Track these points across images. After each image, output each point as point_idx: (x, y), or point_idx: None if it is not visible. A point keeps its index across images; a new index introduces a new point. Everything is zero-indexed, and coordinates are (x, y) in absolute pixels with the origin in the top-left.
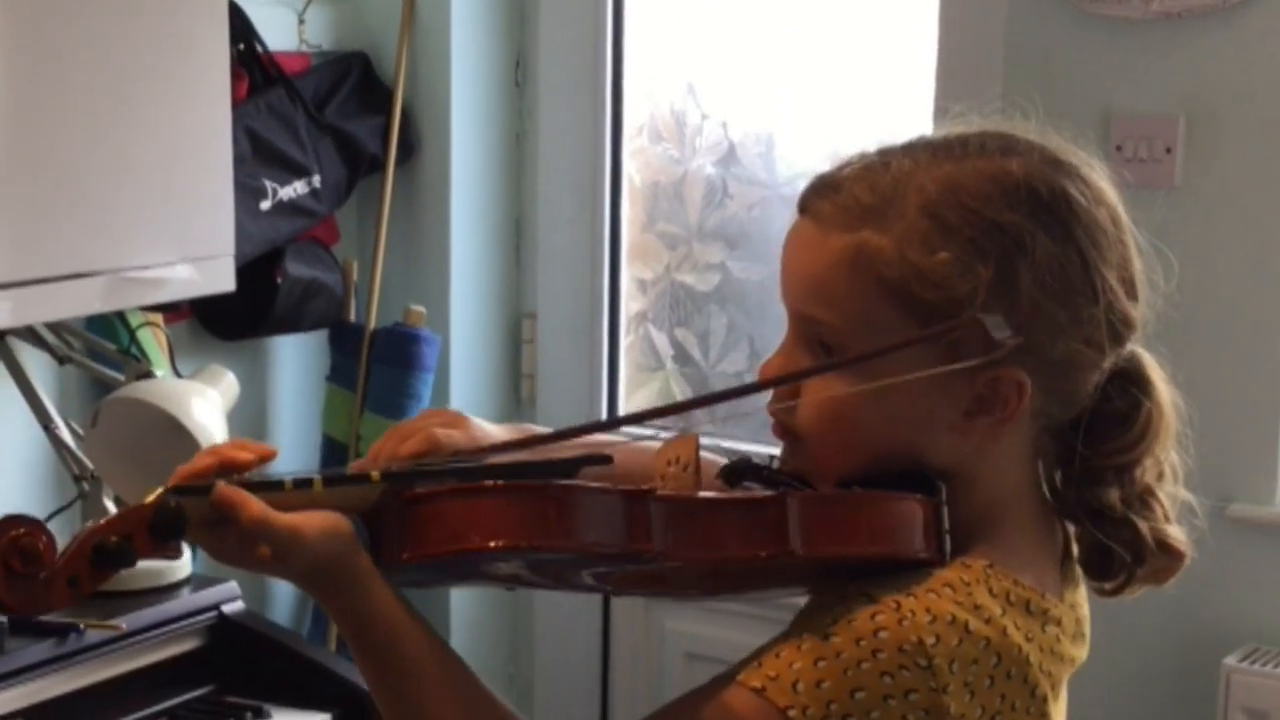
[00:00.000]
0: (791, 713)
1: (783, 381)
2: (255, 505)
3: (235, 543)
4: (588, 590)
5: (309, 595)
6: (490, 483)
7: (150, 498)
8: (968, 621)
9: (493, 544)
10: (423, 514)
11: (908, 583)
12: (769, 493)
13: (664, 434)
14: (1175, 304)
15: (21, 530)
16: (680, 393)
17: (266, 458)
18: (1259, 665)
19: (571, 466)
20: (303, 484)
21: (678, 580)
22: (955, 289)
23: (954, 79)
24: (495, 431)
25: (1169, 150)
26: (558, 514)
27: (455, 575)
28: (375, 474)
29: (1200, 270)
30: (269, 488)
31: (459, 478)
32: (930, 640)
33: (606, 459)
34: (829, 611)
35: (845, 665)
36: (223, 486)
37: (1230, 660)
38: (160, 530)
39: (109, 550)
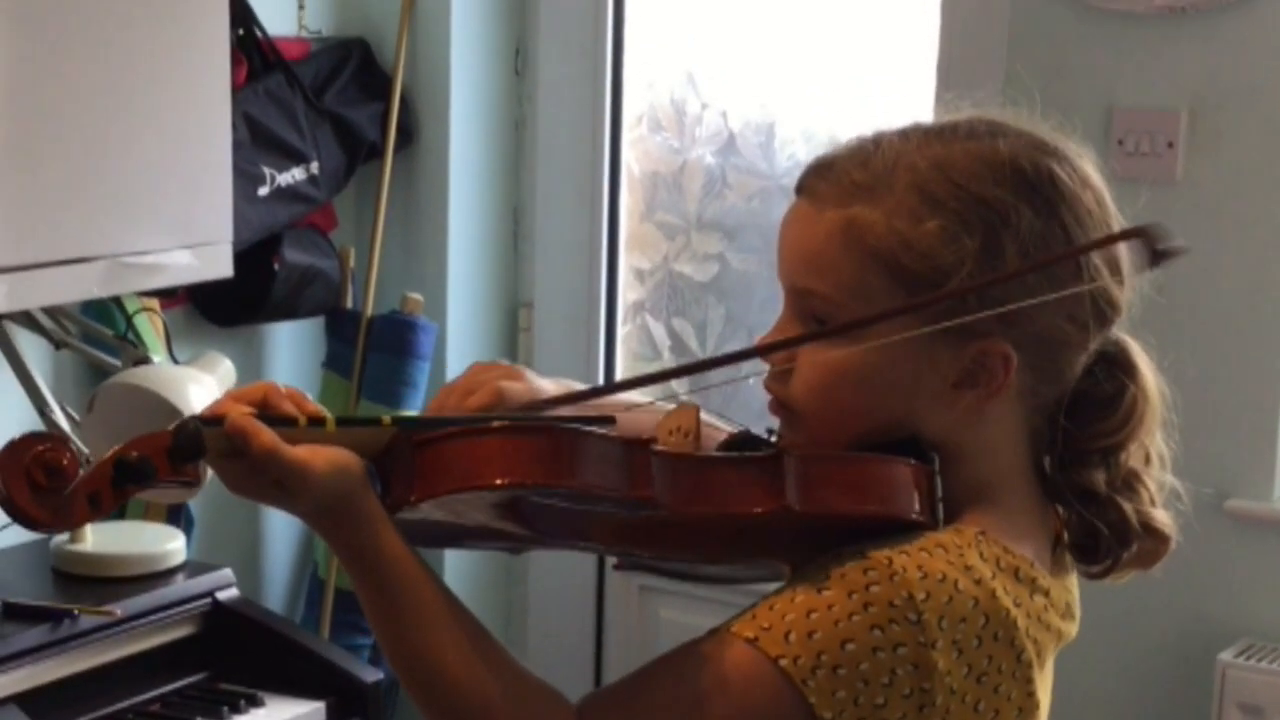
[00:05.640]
0: (783, 662)
1: (778, 346)
2: (266, 436)
3: (248, 472)
4: (589, 549)
5: (315, 531)
6: (497, 423)
7: (174, 424)
8: (958, 580)
9: (499, 480)
10: (431, 454)
11: (901, 542)
12: (767, 452)
13: (668, 405)
14: (1175, 299)
15: (45, 445)
16: (677, 383)
17: (314, 418)
18: (1254, 661)
19: (578, 424)
20: (316, 423)
21: (674, 541)
22: (941, 259)
23: (956, 71)
24: (548, 385)
25: (1171, 144)
26: (561, 453)
27: (460, 530)
28: (386, 418)
29: (1200, 265)
30: (283, 423)
31: (468, 423)
32: (920, 596)
33: (610, 419)
34: (823, 568)
35: (836, 617)
36: (236, 415)
37: (1225, 655)
38: (178, 453)
39: (129, 465)
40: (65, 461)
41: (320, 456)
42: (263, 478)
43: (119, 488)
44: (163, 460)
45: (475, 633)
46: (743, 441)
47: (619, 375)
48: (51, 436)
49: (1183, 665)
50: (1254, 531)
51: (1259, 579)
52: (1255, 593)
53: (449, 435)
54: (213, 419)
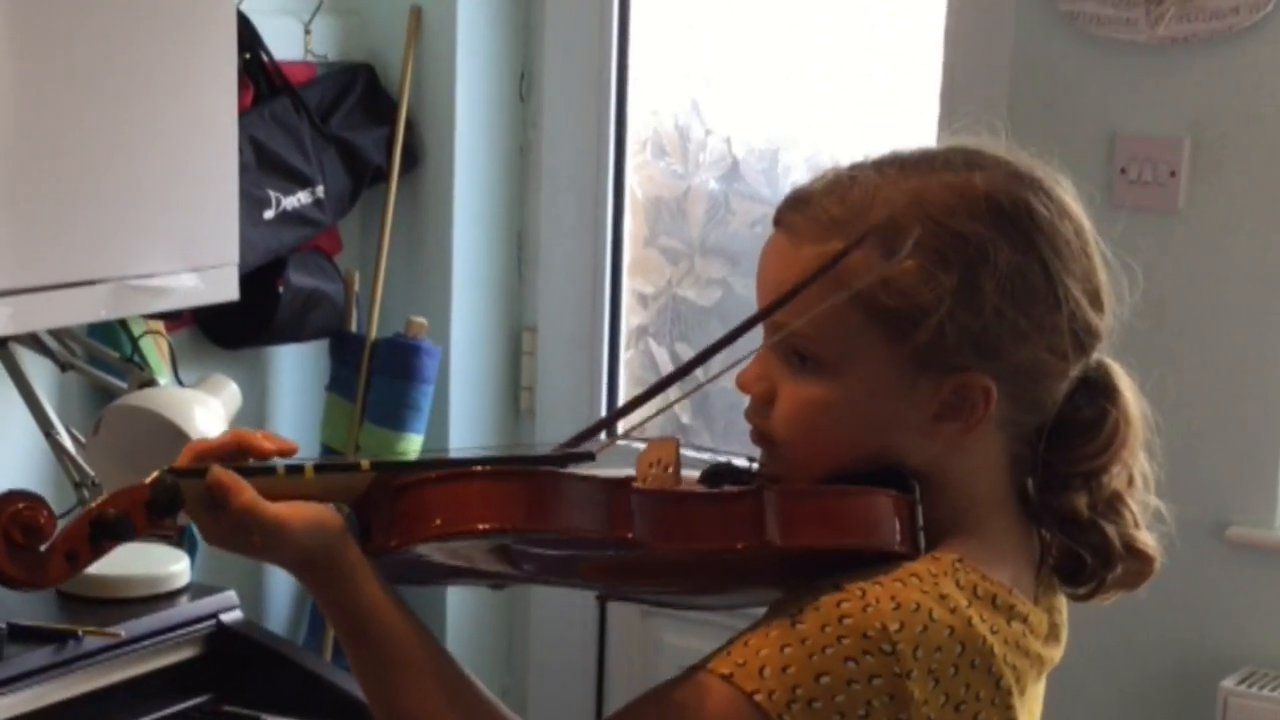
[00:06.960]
0: (758, 697)
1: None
2: (247, 493)
3: (227, 527)
4: (575, 586)
5: (299, 583)
6: (477, 468)
7: (150, 477)
8: (932, 609)
9: (480, 526)
10: (411, 499)
11: (876, 573)
12: (746, 487)
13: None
14: (1177, 327)
15: (22, 504)
16: (679, 407)
17: (286, 452)
18: (1256, 688)
19: (556, 462)
20: (294, 470)
21: (659, 577)
22: (918, 296)
23: (959, 100)
24: None
25: (1173, 173)
26: (541, 497)
27: (444, 569)
28: (365, 462)
29: (1202, 293)
30: (262, 473)
31: (446, 467)
32: (894, 626)
33: (590, 456)
34: (798, 601)
35: (810, 651)
36: (217, 470)
37: (1228, 683)
38: (156, 507)
39: (107, 522)
40: (43, 520)
41: (298, 514)
42: (240, 532)
43: (97, 544)
44: (141, 515)
45: (458, 685)
46: (724, 472)
47: (622, 399)
48: (28, 494)
49: (1184, 693)
50: (1255, 559)
51: (1261, 606)
52: (1257, 620)
53: (429, 480)
54: (190, 471)
